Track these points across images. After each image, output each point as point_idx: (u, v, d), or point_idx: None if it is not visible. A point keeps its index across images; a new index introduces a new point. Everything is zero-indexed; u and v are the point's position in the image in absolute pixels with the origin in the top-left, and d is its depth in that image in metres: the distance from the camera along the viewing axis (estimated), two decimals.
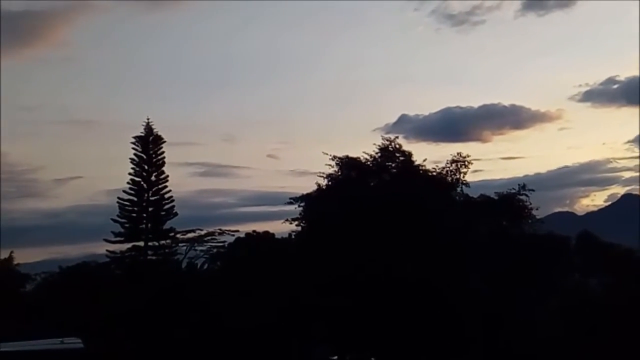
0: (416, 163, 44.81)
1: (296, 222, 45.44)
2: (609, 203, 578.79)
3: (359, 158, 45.00)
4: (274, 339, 42.93)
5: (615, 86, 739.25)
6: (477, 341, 40.41)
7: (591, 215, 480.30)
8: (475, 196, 45.68)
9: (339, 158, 44.91)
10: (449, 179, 44.46)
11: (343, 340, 43.08)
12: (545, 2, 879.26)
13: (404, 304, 39.47)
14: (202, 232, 53.63)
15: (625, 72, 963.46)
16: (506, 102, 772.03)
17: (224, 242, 53.51)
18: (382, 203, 41.77)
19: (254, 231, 54.49)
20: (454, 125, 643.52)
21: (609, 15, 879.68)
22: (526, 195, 44.99)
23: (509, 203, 45.00)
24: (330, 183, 45.08)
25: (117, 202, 52.58)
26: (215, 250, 53.63)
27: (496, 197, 45.49)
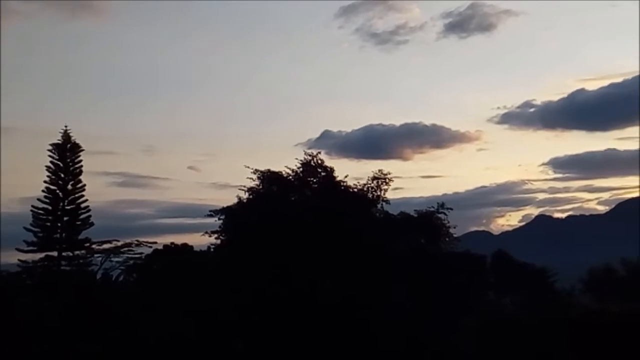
0: (338, 179, 44.92)
1: (216, 235, 44.93)
2: (524, 223, 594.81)
3: (281, 172, 44.88)
4: (192, 354, 42.20)
5: (532, 110, 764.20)
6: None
7: (506, 235, 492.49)
8: (395, 213, 46.08)
9: (261, 172, 44.69)
10: (370, 195, 44.71)
11: (261, 357, 42.68)
12: (466, 25, 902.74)
13: (323, 320, 39.32)
14: (119, 243, 52.46)
15: (541, 97, 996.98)
16: (427, 122, 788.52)
17: (141, 253, 52.56)
18: (303, 218, 41.70)
19: (172, 243, 53.82)
20: (375, 142, 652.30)
21: (528, 41, 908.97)
22: (444, 214, 45.67)
23: (427, 221, 45.55)
24: (251, 197, 44.76)
25: (31, 211, 51.03)
26: (131, 261, 52.61)
27: (415, 215, 45.98)
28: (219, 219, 44.65)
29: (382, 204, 45.17)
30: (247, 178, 44.69)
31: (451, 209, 45.96)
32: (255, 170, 44.71)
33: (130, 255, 52.40)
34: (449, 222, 45.77)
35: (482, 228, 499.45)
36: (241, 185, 44.89)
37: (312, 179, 45.01)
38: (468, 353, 42.97)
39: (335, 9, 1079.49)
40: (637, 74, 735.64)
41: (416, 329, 41.38)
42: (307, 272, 40.01)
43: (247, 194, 44.87)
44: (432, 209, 45.64)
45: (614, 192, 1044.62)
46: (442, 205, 45.78)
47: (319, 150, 46.04)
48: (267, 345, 40.66)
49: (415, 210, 46.33)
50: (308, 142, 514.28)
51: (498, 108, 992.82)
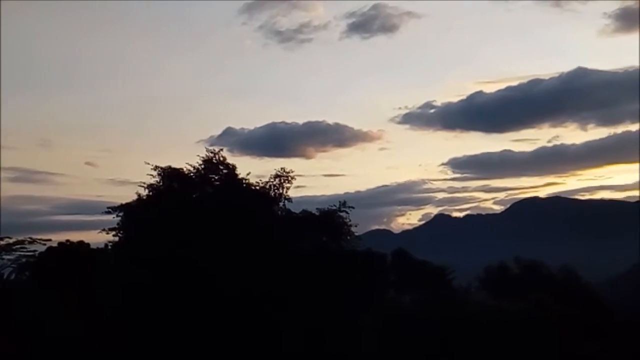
0: (240, 176, 44.57)
1: (113, 233, 43.84)
2: (423, 222, 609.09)
3: (182, 169, 44.22)
4: (92, 354, 40.99)
5: (432, 110, 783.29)
6: (297, 356, 40.49)
7: (406, 234, 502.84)
8: (297, 211, 46.05)
9: (161, 168, 43.88)
10: (272, 193, 44.54)
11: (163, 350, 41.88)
12: (369, 26, 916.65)
13: (224, 318, 38.88)
14: (11, 241, 50.37)
15: (441, 98, 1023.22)
16: (330, 121, 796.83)
17: (35, 251, 50.69)
18: (204, 215, 41.21)
19: (67, 240, 52.18)
20: (278, 140, 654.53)
21: (429, 43, 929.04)
22: (346, 212, 45.86)
23: (329, 219, 45.67)
24: (151, 193, 43.91)
25: None
26: (24, 259, 50.69)
27: (317, 213, 46.06)
28: (117, 216, 43.63)
29: (284, 202, 45.07)
30: (147, 174, 43.86)
31: (353, 207, 46.20)
32: (156, 166, 43.90)
33: (22, 253, 50.45)
34: (350, 221, 46.03)
35: (383, 227, 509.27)
36: (141, 182, 44.03)
37: (213, 176, 44.52)
38: (369, 350, 43.36)
39: (239, 5, 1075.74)
40: (533, 77, 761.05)
41: (317, 326, 41.40)
42: (208, 267, 39.47)
43: (147, 190, 44.03)
44: (334, 208, 45.77)
45: (509, 192, 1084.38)
46: (343, 203, 45.97)
47: (221, 148, 45.63)
48: (168, 339, 39.94)
49: (317, 209, 46.40)
50: (210, 139, 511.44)
51: (400, 108, 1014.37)
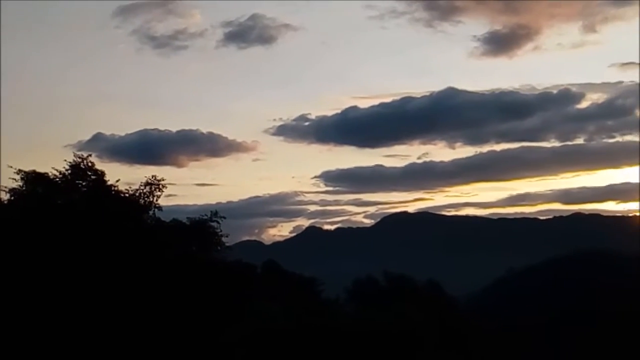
0: (109, 183, 43.51)
1: None
2: (294, 234, 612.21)
3: (47, 174, 42.73)
4: None
5: (307, 123, 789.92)
6: None
7: (277, 245, 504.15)
8: (167, 220, 45.42)
9: (25, 172, 42.23)
10: (142, 201, 43.69)
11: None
12: (246, 36, 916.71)
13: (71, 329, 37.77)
14: None
15: (316, 111, 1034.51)
16: (204, 129, 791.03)
17: None
18: (69, 222, 40.04)
19: None
20: (150, 148, 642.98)
21: (306, 56, 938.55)
22: (217, 222, 45.60)
23: (200, 229, 45.31)
24: (13, 198, 42.27)
25: None
26: None
27: (188, 223, 45.62)
28: None
29: (154, 211, 44.32)
30: (10, 178, 42.15)
31: (224, 217, 45.93)
32: (19, 170, 42.23)
33: None
34: (221, 231, 45.78)
35: (254, 238, 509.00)
36: (3, 186, 42.34)
37: (81, 182, 43.27)
38: None
39: (113, 7, 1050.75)
40: (405, 95, 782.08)
41: (184, 336, 40.92)
42: (72, 279, 38.33)
43: (8, 195, 42.37)
44: (205, 217, 45.46)
45: (380, 206, 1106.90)
46: (215, 213, 45.65)
47: (90, 153, 44.36)
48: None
49: (188, 218, 45.91)
50: (79, 143, 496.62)
51: (274, 120, 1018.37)
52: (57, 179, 42.93)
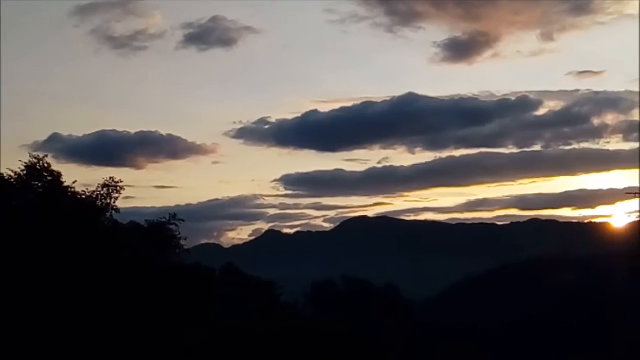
0: (65, 184, 42.92)
1: None
2: (254, 237, 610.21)
3: (2, 174, 42.07)
4: None
5: (267, 127, 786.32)
6: None
7: (236, 248, 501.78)
8: (125, 223, 44.96)
9: None
10: (99, 203, 43.16)
11: None
12: (207, 38, 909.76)
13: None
14: None
15: (276, 115, 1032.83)
16: (163, 131, 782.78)
17: None
18: (24, 224, 39.41)
19: None
20: (108, 149, 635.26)
21: (267, 59, 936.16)
22: (176, 225, 45.29)
23: (158, 231, 44.94)
24: None
25: None
26: None
27: (146, 225, 45.21)
28: None
29: (111, 213, 43.81)
30: None
31: (183, 220, 45.70)
32: None
33: None
34: (180, 234, 45.49)
35: (212, 241, 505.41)
36: None
37: (37, 183, 42.62)
38: None
39: (71, 7, 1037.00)
40: (366, 100, 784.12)
41: (142, 340, 40.50)
42: (26, 281, 37.71)
43: None
44: (164, 220, 45.12)
45: (340, 210, 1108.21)
46: (174, 216, 45.40)
47: (46, 154, 43.75)
48: None
49: (146, 220, 45.53)
50: (35, 144, 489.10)
51: (234, 123, 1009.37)
52: (12, 180, 42.29)
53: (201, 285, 47.68)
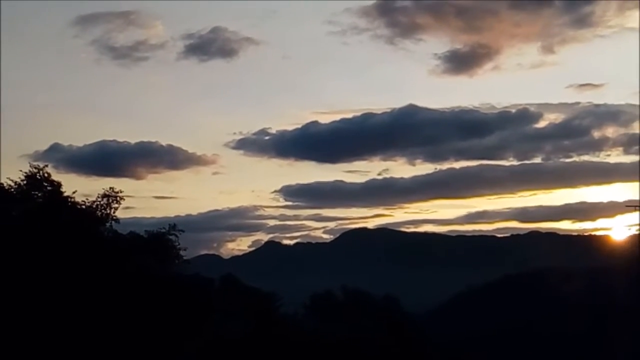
0: (65, 194, 42.95)
1: None
2: (253, 248, 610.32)
3: (2, 184, 42.16)
4: None
5: (267, 137, 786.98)
6: None
7: (236, 259, 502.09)
8: (124, 233, 44.94)
9: None
10: (99, 213, 43.18)
11: None
12: (207, 48, 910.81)
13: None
14: None
15: (277, 126, 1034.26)
16: (164, 142, 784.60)
17: None
18: (25, 234, 39.39)
19: None
20: (108, 159, 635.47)
21: (267, 70, 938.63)
22: (176, 236, 45.23)
23: (158, 242, 44.89)
24: None
25: None
26: None
27: (145, 236, 45.17)
28: None
29: (111, 223, 43.81)
30: None
31: (183, 230, 45.61)
32: None
33: None
34: (179, 244, 45.43)
35: (212, 251, 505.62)
36: None
37: (37, 192, 42.66)
38: None
39: (72, 16, 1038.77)
40: (366, 111, 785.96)
41: (142, 351, 40.39)
42: (27, 290, 37.69)
43: None
44: (163, 230, 45.08)
45: (339, 222, 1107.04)
46: (173, 226, 45.33)
47: (46, 164, 43.83)
48: None
49: (145, 231, 45.51)
50: (35, 154, 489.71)
51: (234, 133, 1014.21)
52: (12, 189, 42.33)
53: (200, 296, 47.60)
